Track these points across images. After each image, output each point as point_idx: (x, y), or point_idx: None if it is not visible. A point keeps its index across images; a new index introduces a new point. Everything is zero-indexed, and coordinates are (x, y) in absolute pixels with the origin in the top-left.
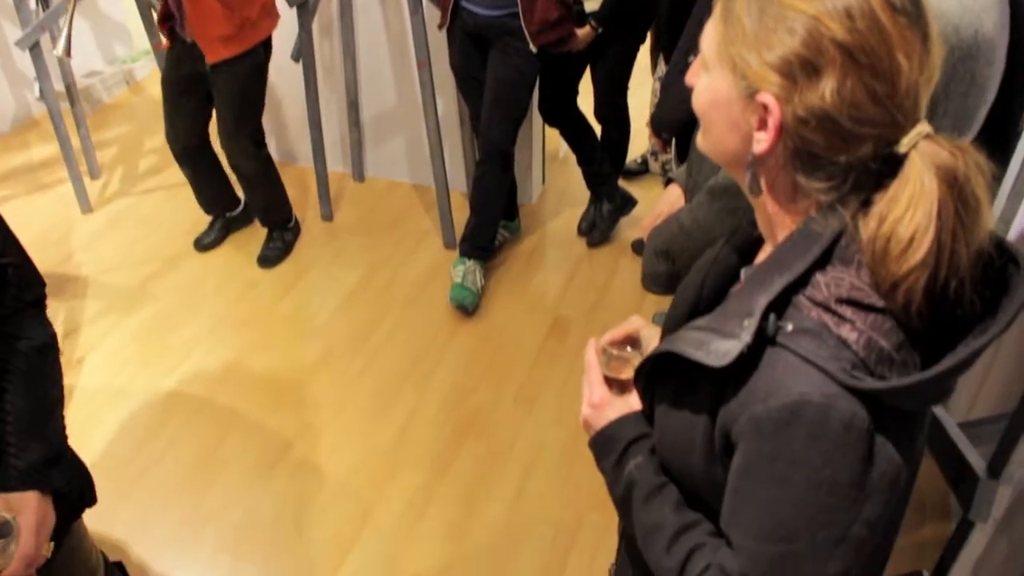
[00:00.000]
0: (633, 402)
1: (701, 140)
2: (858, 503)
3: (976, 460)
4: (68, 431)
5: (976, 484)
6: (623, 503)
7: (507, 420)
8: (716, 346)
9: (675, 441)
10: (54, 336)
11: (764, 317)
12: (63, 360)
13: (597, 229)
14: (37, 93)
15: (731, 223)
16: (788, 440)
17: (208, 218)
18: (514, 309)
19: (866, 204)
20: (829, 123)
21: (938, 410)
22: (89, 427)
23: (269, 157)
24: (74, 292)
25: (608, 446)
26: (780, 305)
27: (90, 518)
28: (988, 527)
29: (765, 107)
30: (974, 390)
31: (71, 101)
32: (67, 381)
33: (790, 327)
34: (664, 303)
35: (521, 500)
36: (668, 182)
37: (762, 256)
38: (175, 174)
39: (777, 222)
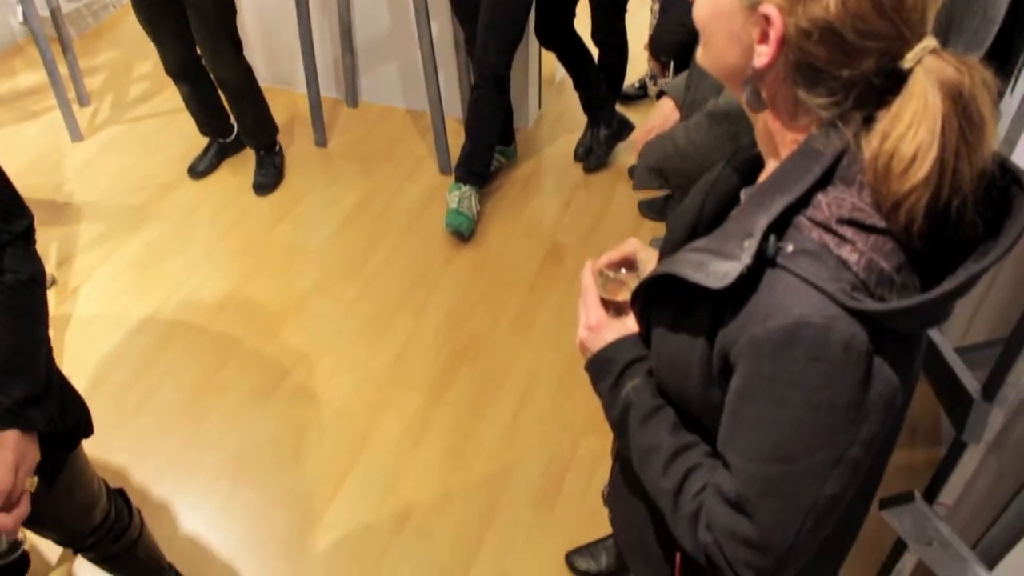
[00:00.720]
0: (630, 324)
1: (701, 55)
2: (855, 424)
3: (971, 383)
4: (63, 360)
5: (970, 406)
6: (619, 425)
7: (503, 345)
8: (715, 267)
9: (672, 364)
10: (42, 272)
11: (764, 238)
12: (58, 289)
13: (594, 154)
14: (20, 17)
15: (731, 148)
16: (787, 361)
17: (201, 144)
18: (510, 235)
19: (868, 121)
20: (832, 35)
21: (934, 333)
22: (85, 356)
23: (251, 68)
24: (66, 221)
25: (605, 368)
26: (780, 226)
27: (90, 445)
28: (980, 449)
29: (767, 19)
30: (970, 315)
31: (56, 26)
32: (63, 310)
33: (790, 248)
34: (661, 229)
35: (517, 425)
36: (660, 95)
37: (763, 176)
38: (167, 100)
39: (779, 140)
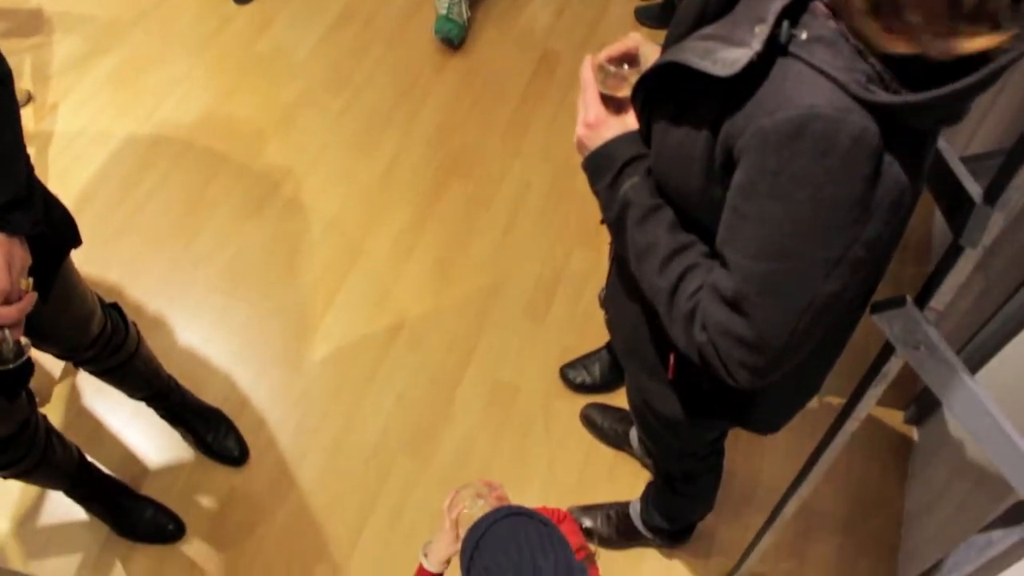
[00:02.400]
0: (630, 122)
1: None
2: (860, 223)
3: (972, 186)
4: (48, 177)
5: (971, 210)
6: (617, 224)
7: (494, 157)
8: (724, 55)
9: (673, 159)
10: (8, 73)
11: (777, 23)
12: (35, 106)
13: None
14: None
15: None
16: (793, 154)
17: None
18: (501, 44)
19: None
20: None
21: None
22: (70, 173)
23: None
24: (40, 33)
25: (603, 166)
26: (795, 11)
27: (81, 264)
28: (975, 254)
29: None
30: (972, 130)
31: None
32: (43, 128)
33: (804, 35)
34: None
35: (508, 237)
36: None
37: None
38: None
39: None
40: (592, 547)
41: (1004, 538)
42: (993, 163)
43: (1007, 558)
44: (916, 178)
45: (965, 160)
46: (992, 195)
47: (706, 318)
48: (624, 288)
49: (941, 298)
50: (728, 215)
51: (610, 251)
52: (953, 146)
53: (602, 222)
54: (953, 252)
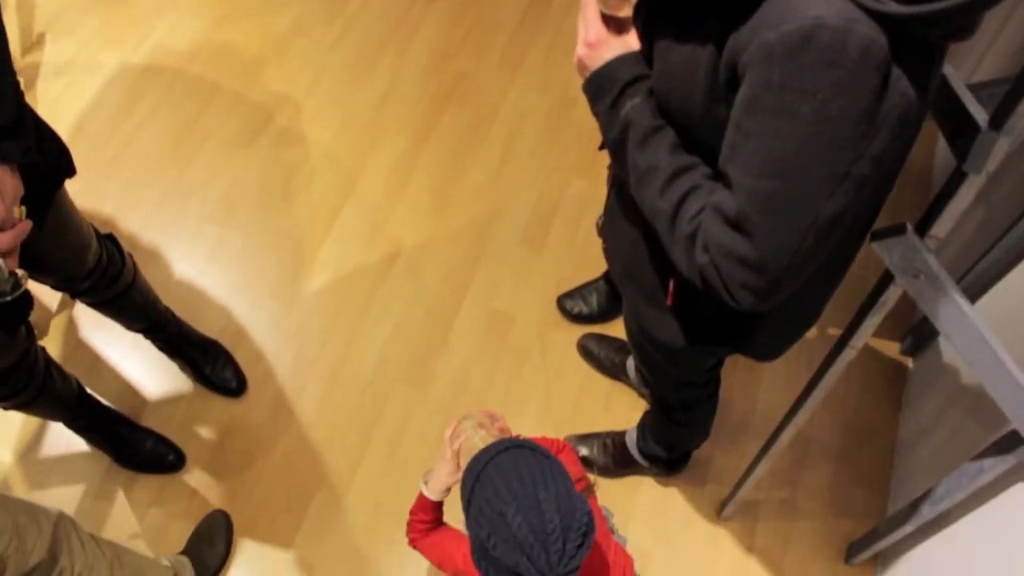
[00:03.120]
0: (631, 42)
1: None
2: (866, 138)
3: (978, 112)
4: (38, 108)
5: (975, 136)
6: (617, 146)
7: (490, 86)
8: None
9: (675, 79)
10: None
11: None
12: (22, 35)
13: None
14: None
15: None
16: (799, 67)
17: None
18: None
19: None
20: None
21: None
22: (60, 104)
23: None
24: None
25: (604, 87)
26: None
27: (74, 196)
28: (979, 181)
29: None
30: (978, 57)
31: None
32: (30, 59)
33: None
34: None
35: (504, 167)
36: None
37: None
38: None
39: None
40: (591, 478)
41: (995, 466)
42: (998, 91)
43: (997, 485)
44: (923, 96)
45: (971, 87)
46: (997, 121)
47: (708, 239)
48: (623, 213)
49: (942, 226)
50: (731, 133)
51: (608, 176)
52: (959, 73)
53: (602, 147)
54: (956, 179)
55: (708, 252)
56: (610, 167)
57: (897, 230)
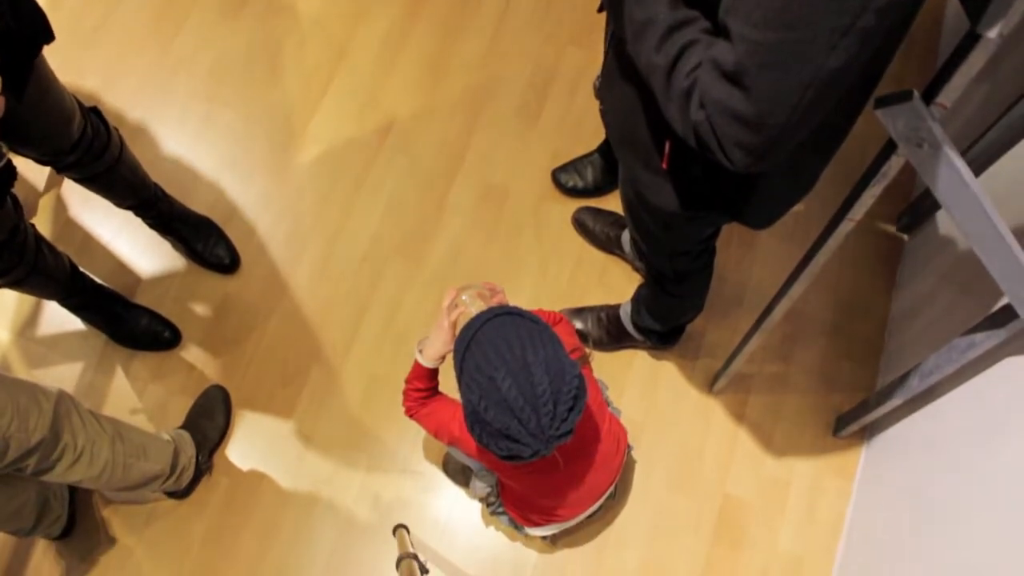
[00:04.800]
0: None
1: None
2: None
3: None
4: None
5: None
6: (614, 1)
7: None
8: None
9: None
10: None
11: None
12: None
13: None
14: None
15: None
16: None
17: None
18: None
19: None
20: None
21: None
22: None
23: None
24: None
25: None
26: None
27: (55, 70)
28: (991, 44)
29: None
30: None
31: None
32: None
33: None
34: None
35: (499, 36)
36: None
37: None
38: None
39: None
40: (587, 350)
41: (986, 340)
42: None
43: (987, 360)
44: None
45: None
46: None
47: (704, 94)
48: (620, 74)
49: (949, 93)
50: None
51: (606, 34)
52: None
53: (600, 9)
54: (967, 42)
55: (704, 108)
56: (607, 25)
57: (903, 96)
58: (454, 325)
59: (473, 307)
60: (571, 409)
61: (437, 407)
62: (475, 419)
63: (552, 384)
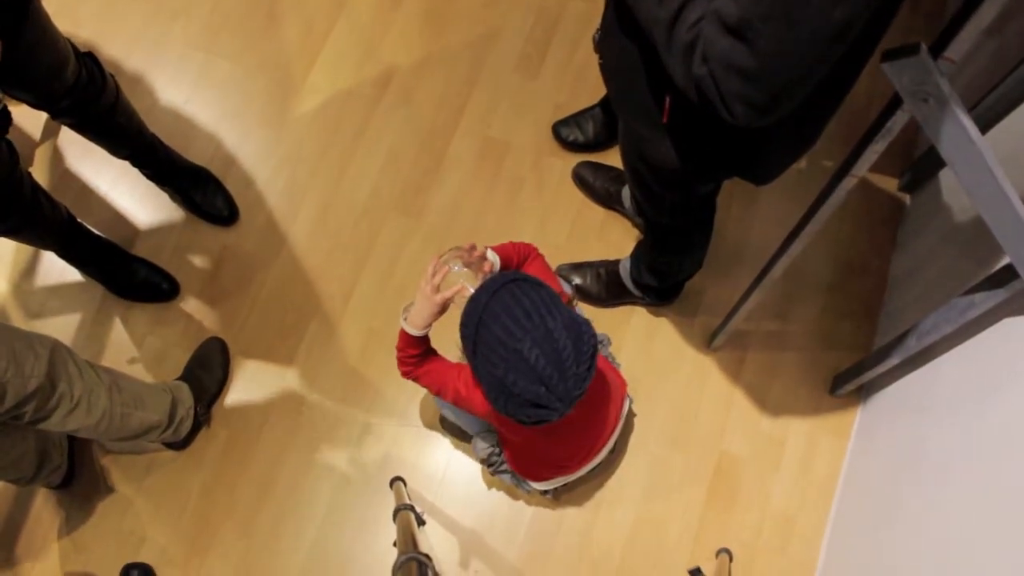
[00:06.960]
0: None
1: None
2: None
3: None
4: None
5: None
6: None
7: None
8: None
9: None
10: None
11: None
12: None
13: None
14: None
15: None
16: None
17: None
18: None
19: None
20: None
21: None
22: None
23: None
24: None
25: None
26: None
27: (52, 16)
28: (997, 2)
29: None
30: None
31: None
32: None
33: None
34: None
35: None
36: None
37: None
38: None
39: None
40: (568, 291)
41: (986, 300)
42: None
43: (985, 320)
44: None
45: None
46: None
47: (707, 48)
48: (620, 26)
49: (958, 47)
50: None
51: None
52: None
53: None
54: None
55: (707, 62)
56: None
57: (910, 50)
58: (437, 289)
59: (455, 267)
60: (589, 368)
61: (436, 367)
62: (499, 391)
63: (575, 346)
